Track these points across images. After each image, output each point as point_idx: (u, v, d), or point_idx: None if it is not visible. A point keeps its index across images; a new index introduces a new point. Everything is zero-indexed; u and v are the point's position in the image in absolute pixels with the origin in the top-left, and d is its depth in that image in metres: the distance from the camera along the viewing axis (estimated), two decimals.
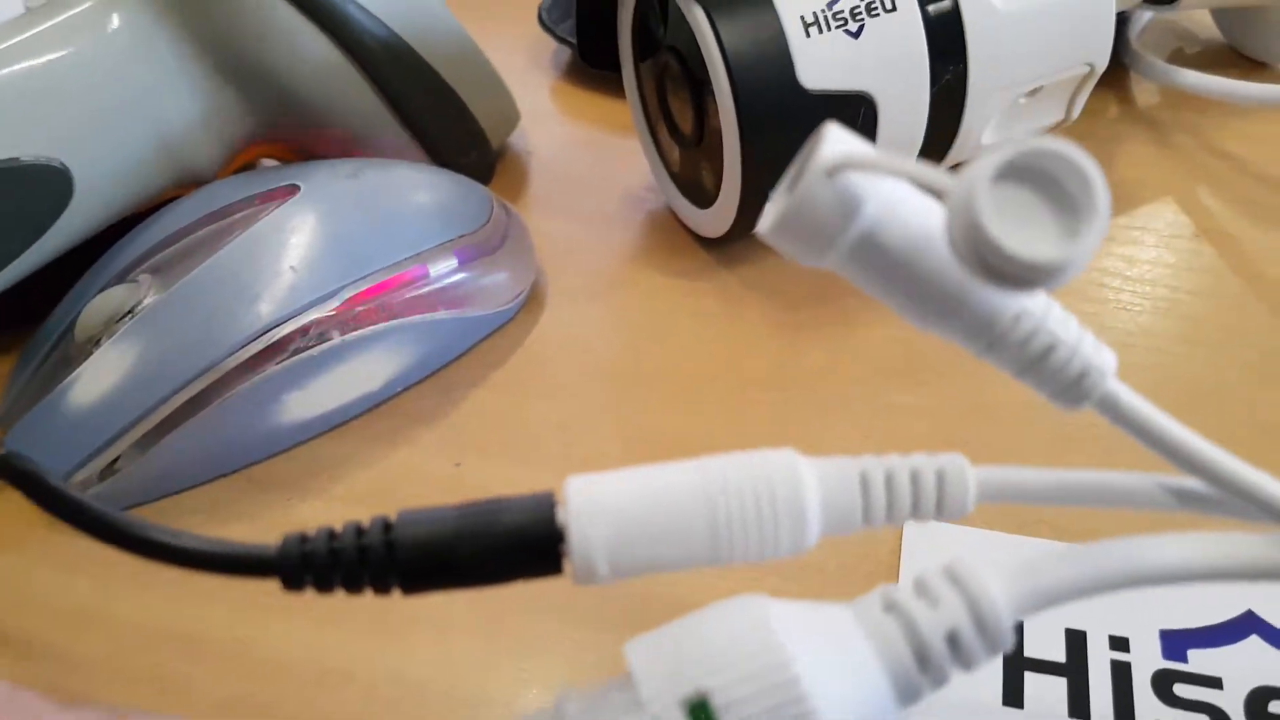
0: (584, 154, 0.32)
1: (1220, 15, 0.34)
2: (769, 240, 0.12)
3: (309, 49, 0.25)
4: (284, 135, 0.28)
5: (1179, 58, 0.34)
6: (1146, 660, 0.18)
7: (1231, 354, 0.24)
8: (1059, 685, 0.18)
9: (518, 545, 0.13)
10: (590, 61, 0.28)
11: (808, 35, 0.23)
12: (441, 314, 0.24)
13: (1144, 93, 0.32)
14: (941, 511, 0.13)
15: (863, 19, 0.23)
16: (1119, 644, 0.19)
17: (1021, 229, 0.10)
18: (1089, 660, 0.18)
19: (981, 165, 0.10)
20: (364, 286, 0.23)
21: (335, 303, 0.23)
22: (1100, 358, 0.12)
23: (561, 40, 0.35)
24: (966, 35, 0.24)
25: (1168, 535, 0.12)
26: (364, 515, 0.22)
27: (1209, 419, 0.22)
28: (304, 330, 0.22)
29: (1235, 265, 0.26)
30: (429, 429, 0.24)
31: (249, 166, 0.29)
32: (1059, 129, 0.28)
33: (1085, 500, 0.13)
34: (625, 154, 0.32)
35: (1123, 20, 0.33)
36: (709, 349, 0.25)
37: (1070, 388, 0.12)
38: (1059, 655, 0.18)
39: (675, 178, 0.28)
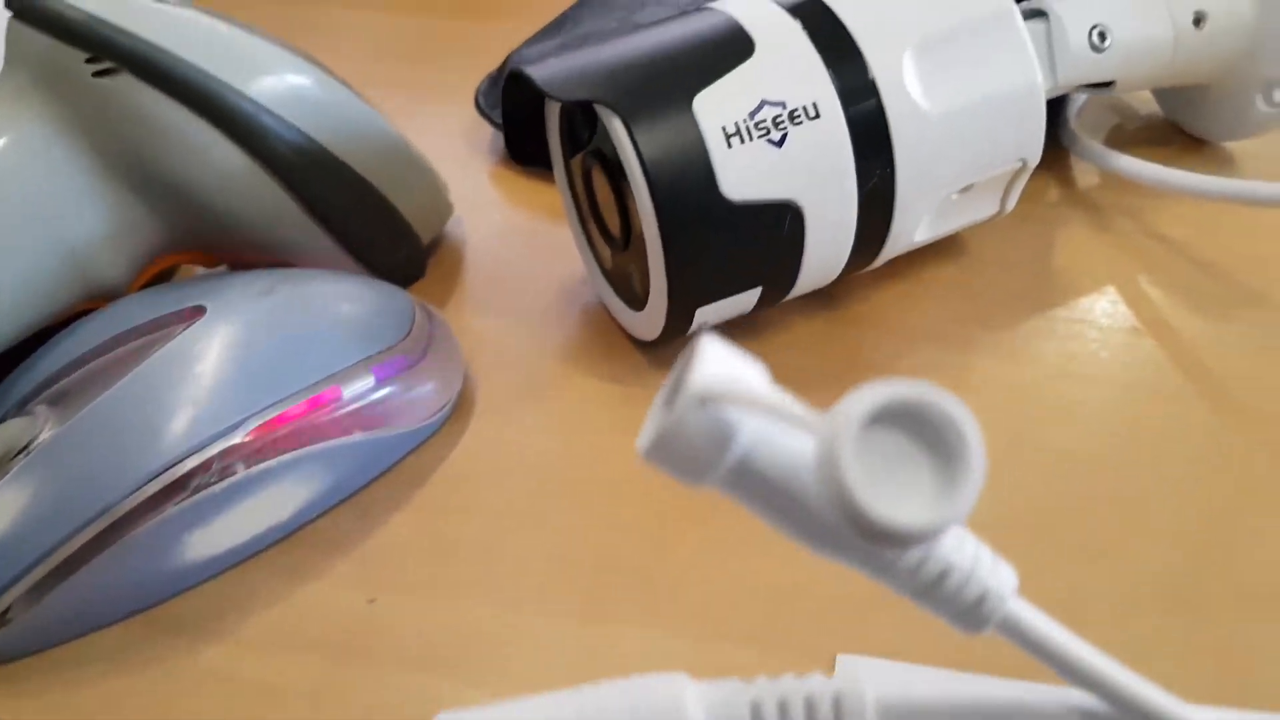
0: (520, 244, 0.31)
1: (1160, 94, 0.33)
2: (648, 461, 0.11)
3: (220, 161, 0.25)
4: (200, 244, 0.27)
5: (1119, 134, 0.33)
6: None
7: (1172, 453, 0.23)
8: None
9: None
10: (519, 159, 0.28)
11: (729, 146, 0.22)
12: (357, 436, 0.23)
13: (1083, 173, 0.32)
14: None
15: (785, 127, 0.23)
16: None
17: (891, 485, 0.10)
18: None
19: (849, 411, 0.10)
20: (271, 415, 0.22)
21: (240, 434, 0.22)
22: (998, 579, 0.11)
23: (497, 125, 0.34)
24: (893, 139, 0.23)
25: None
26: (269, 661, 0.21)
27: (1152, 523, 0.22)
28: (206, 466, 0.21)
29: (1173, 361, 0.25)
30: (342, 558, 0.23)
31: (168, 274, 0.28)
32: (995, 220, 0.27)
33: (989, 715, 0.12)
34: (563, 244, 0.31)
35: (1061, 100, 0.33)
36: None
37: (968, 613, 0.11)
38: None
39: (608, 275, 0.28)
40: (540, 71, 0.23)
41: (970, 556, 0.12)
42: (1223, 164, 0.31)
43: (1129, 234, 0.29)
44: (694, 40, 0.23)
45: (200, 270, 0.30)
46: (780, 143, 0.23)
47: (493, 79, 0.35)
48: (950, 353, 0.26)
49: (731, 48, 0.23)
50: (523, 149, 0.27)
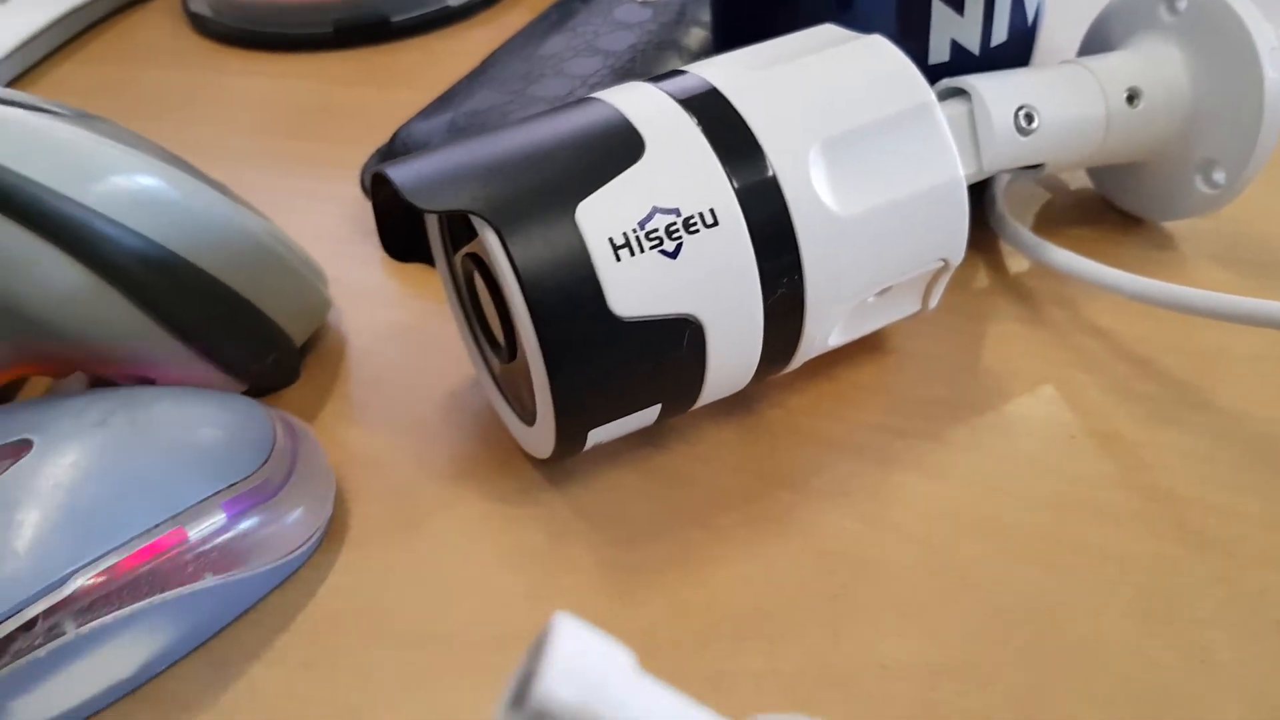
0: (407, 341, 0.29)
1: (1093, 171, 0.32)
2: None
3: (58, 277, 0.22)
4: (45, 358, 0.24)
5: (1050, 211, 0.31)
6: None
7: (1110, 592, 0.21)
8: None
9: None
10: (397, 256, 0.25)
11: (618, 259, 0.20)
12: (209, 581, 0.21)
13: (1013, 257, 0.30)
14: None
15: (680, 237, 0.21)
16: None
17: None
18: None
19: None
20: (104, 565, 0.19)
21: (67, 590, 0.19)
22: None
23: None
24: (800, 245, 0.21)
25: None
26: None
27: (1090, 680, 0.20)
28: (28, 626, 0.19)
29: (1111, 475, 0.23)
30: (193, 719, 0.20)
31: (14, 386, 0.26)
32: (918, 317, 0.26)
33: None
34: (453, 341, 0.29)
35: (987, 180, 0.31)
36: (532, 600, 0.22)
37: None
38: None
39: (497, 383, 0.25)
40: (405, 175, 0.21)
41: None
42: (1160, 244, 0.30)
43: (1061, 326, 0.27)
44: (579, 139, 0.21)
45: (52, 381, 0.27)
46: (675, 253, 0.21)
47: (381, 154, 0.33)
48: (870, 466, 0.24)
49: (619, 148, 0.21)
50: (401, 246, 0.25)
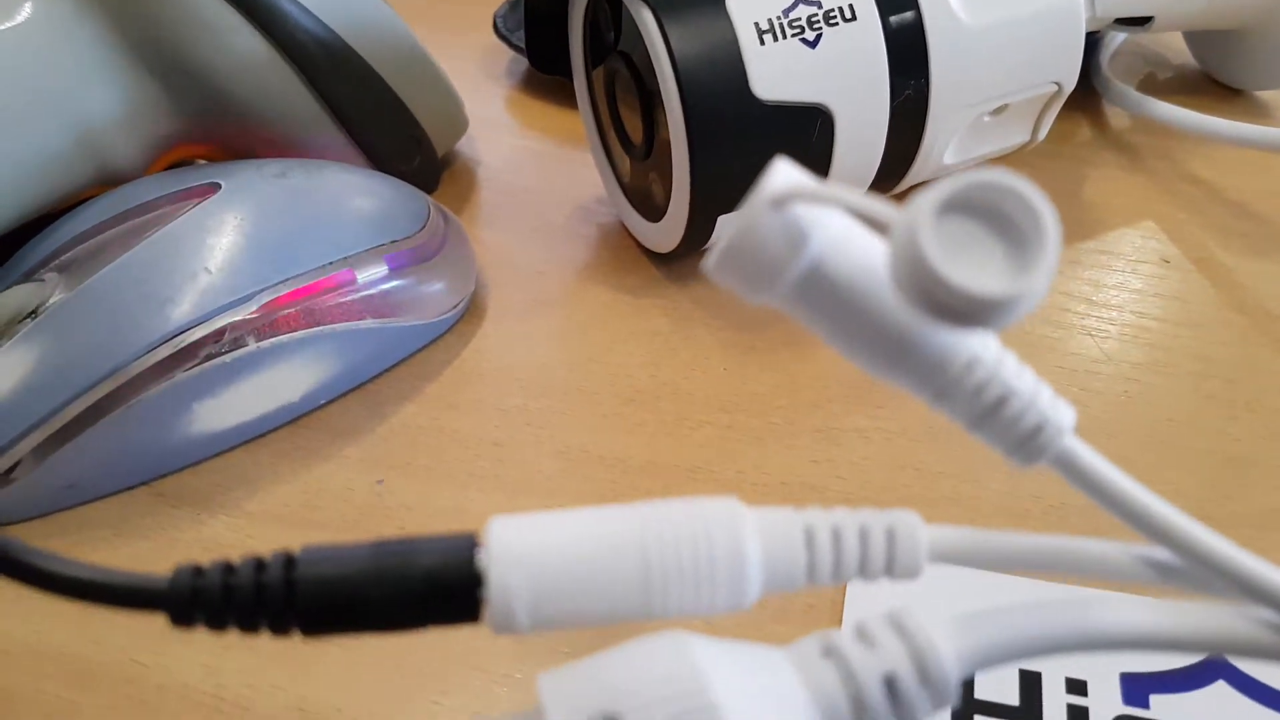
0: (535, 165, 0.31)
1: (1193, 40, 0.33)
2: (714, 277, 0.11)
3: (241, 45, 0.24)
4: (215, 134, 0.26)
5: (1151, 83, 0.33)
6: (1106, 706, 0.17)
7: (1197, 383, 0.23)
8: None
9: (432, 591, 0.11)
10: (540, 67, 0.27)
11: (762, 43, 0.22)
12: (369, 323, 0.23)
13: (1116, 117, 0.31)
14: (891, 571, 0.12)
15: (820, 28, 0.22)
16: (1076, 687, 0.17)
17: (968, 263, 0.09)
18: (1043, 705, 0.17)
19: (926, 197, 0.09)
20: (283, 291, 0.22)
21: (252, 307, 0.21)
22: (1057, 412, 0.11)
23: (515, 48, 0.34)
24: (929, 49, 0.23)
25: (1129, 597, 0.11)
26: (277, 535, 0.20)
27: (1174, 450, 0.21)
28: (217, 335, 0.21)
29: (1202, 292, 0.25)
30: (352, 444, 0.22)
31: (178, 165, 0.28)
32: (1025, 150, 0.27)
33: (1045, 567, 0.12)
34: (578, 166, 0.30)
35: (1094, 43, 0.32)
36: (654, 369, 0.24)
37: (1024, 443, 0.11)
38: (1012, 698, 0.17)
39: (626, 189, 0.27)
40: None
41: (1030, 386, 0.11)
42: (1256, 113, 0.31)
43: (1159, 174, 0.29)
44: None
45: None
46: (814, 43, 0.22)
47: (512, 3, 0.35)
48: None
49: None
50: (544, 57, 0.27)
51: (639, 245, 0.27)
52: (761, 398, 0.23)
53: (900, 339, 0.11)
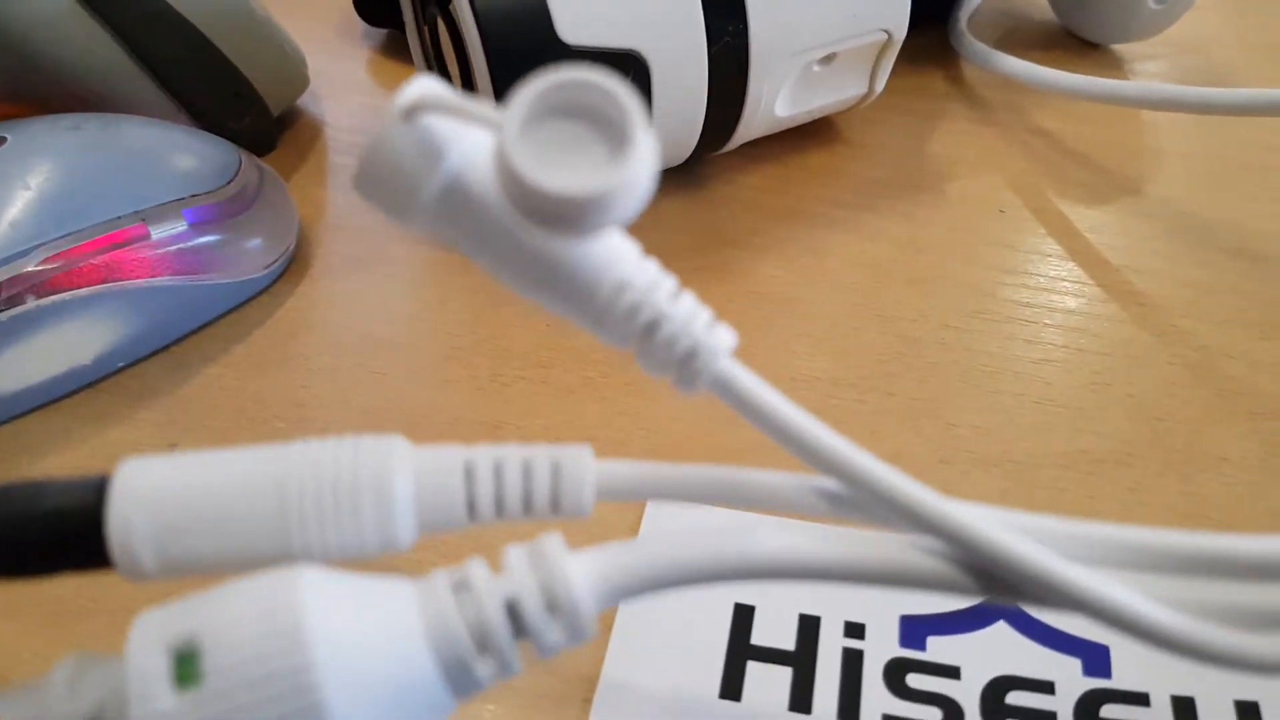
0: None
1: None
2: (359, 194, 0.10)
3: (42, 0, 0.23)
4: (26, 93, 0.25)
5: (1012, 38, 0.32)
6: (881, 648, 0.17)
7: (1015, 328, 0.22)
8: (784, 676, 0.16)
9: (54, 533, 0.11)
10: (369, 19, 0.26)
11: None
12: (166, 280, 0.22)
13: (972, 73, 0.31)
14: (558, 509, 0.11)
15: None
16: (854, 630, 0.17)
17: (563, 165, 0.09)
18: (819, 649, 0.17)
19: (514, 100, 0.09)
20: (66, 246, 0.21)
21: (29, 262, 0.20)
22: (714, 336, 0.11)
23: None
24: None
25: (797, 524, 0.11)
26: None
27: (985, 393, 0.21)
28: None
29: (1032, 239, 0.24)
30: (150, 407, 0.21)
31: None
32: (869, 102, 0.27)
33: (717, 498, 0.11)
34: None
35: (953, 1, 0.32)
36: (474, 325, 0.23)
37: (680, 367, 0.10)
38: (788, 643, 0.17)
39: None
40: None
41: (687, 310, 0.11)
42: (1111, 66, 0.31)
43: (1008, 127, 0.28)
44: None
45: None
46: None
47: None
48: (809, 230, 0.25)
49: None
50: (375, 11, 0.26)
51: None
52: (580, 352, 0.22)
53: (540, 258, 0.10)
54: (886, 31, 0.25)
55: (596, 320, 0.11)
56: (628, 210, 0.09)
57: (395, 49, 0.33)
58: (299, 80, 0.29)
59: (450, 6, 0.23)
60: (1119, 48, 0.31)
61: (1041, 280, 0.23)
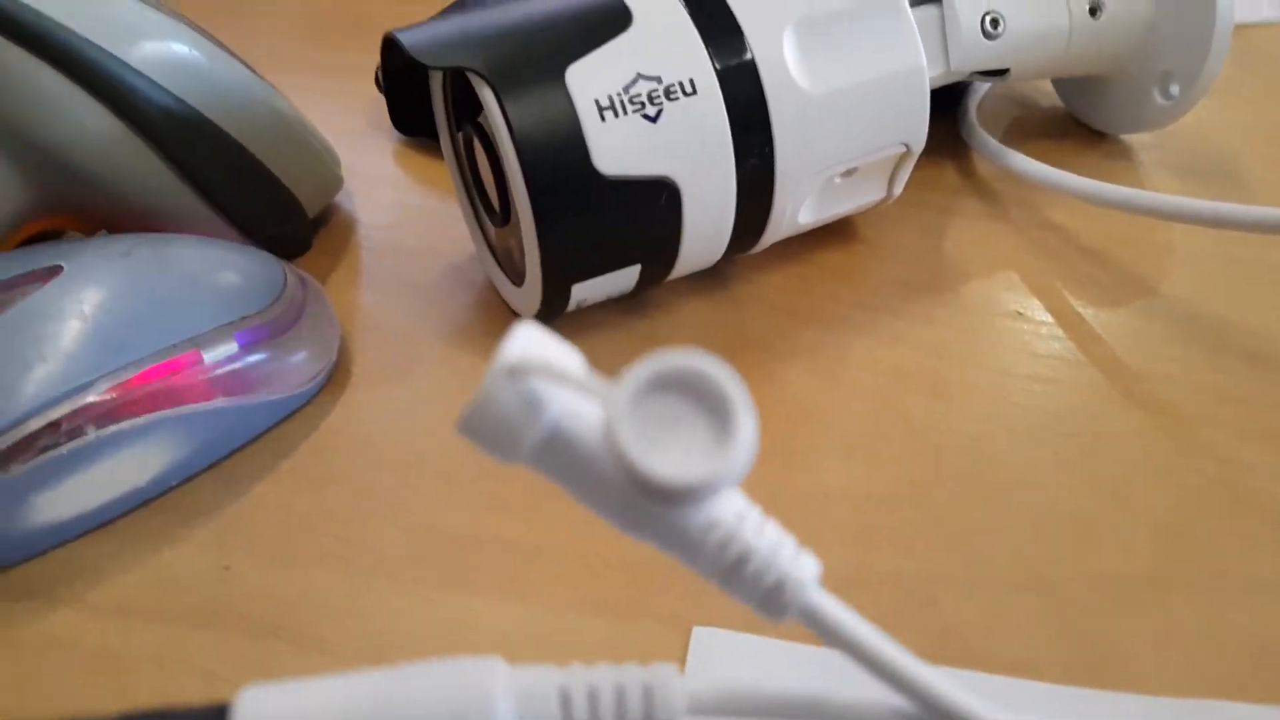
0: (413, 221, 0.31)
1: (1059, 85, 0.33)
2: (462, 435, 0.11)
3: (90, 123, 0.24)
4: (75, 209, 0.26)
5: (1019, 126, 0.33)
6: None
7: (1042, 439, 0.23)
8: None
9: None
10: (403, 128, 0.27)
11: (603, 119, 0.22)
12: (220, 402, 0.23)
13: (982, 164, 0.32)
14: None
15: (661, 103, 0.22)
16: None
17: (670, 445, 0.10)
18: None
19: (625, 382, 0.10)
20: (123, 377, 0.21)
21: (90, 395, 0.21)
22: (799, 568, 0.11)
23: None
24: (771, 118, 0.23)
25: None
26: (120, 628, 0.20)
27: (1014, 510, 0.22)
28: (53, 427, 0.21)
29: (1052, 344, 0.25)
30: (202, 526, 0.22)
31: (37, 238, 0.28)
32: (882, 204, 0.27)
33: (799, 716, 0.12)
34: (454, 221, 0.31)
35: (962, 90, 0.33)
36: None
37: (769, 599, 0.11)
38: None
39: (493, 251, 0.27)
40: (411, 37, 0.23)
41: (771, 542, 0.12)
42: (1119, 156, 0.32)
43: (1020, 223, 0.29)
44: (571, 11, 0.23)
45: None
46: (655, 118, 0.23)
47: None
48: (832, 334, 0.26)
49: (608, 20, 0.23)
50: (407, 119, 0.27)
51: (508, 306, 0.27)
52: None
53: (634, 508, 0.11)
54: (905, 144, 0.25)
55: (686, 553, 0.12)
56: (729, 486, 0.10)
57: (423, 140, 0.34)
58: (333, 181, 0.30)
59: (487, 131, 0.23)
60: (1128, 137, 0.32)
61: (1062, 388, 0.24)
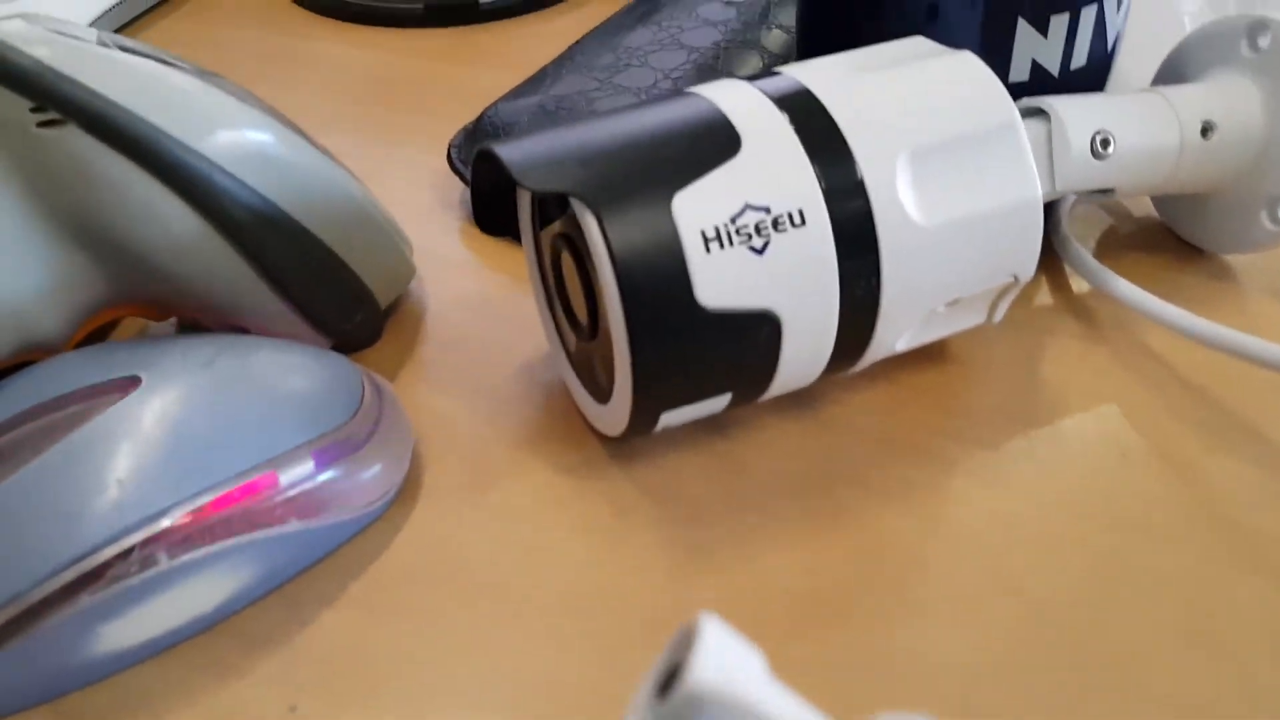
0: (485, 312, 0.30)
1: (1159, 198, 0.32)
2: None
3: (171, 222, 0.23)
4: (148, 300, 0.25)
5: (1112, 237, 0.32)
6: None
7: (1155, 605, 0.22)
8: None
9: None
10: (487, 230, 0.26)
11: (708, 251, 0.21)
12: (292, 526, 0.22)
13: (1075, 277, 0.30)
14: None
15: (769, 234, 0.21)
16: None
17: None
18: None
19: None
20: (199, 503, 0.21)
21: (165, 521, 0.20)
22: None
23: (469, 184, 0.33)
24: (881, 251, 0.22)
25: None
26: None
27: (1121, 693, 0.20)
28: (125, 554, 0.20)
29: (1161, 493, 0.24)
30: (266, 656, 0.21)
31: (113, 324, 0.27)
32: (981, 328, 0.26)
33: None
34: (526, 312, 0.30)
35: (1053, 201, 0.31)
36: (591, 569, 0.23)
37: None
38: None
39: (572, 360, 0.26)
40: (513, 155, 0.22)
41: None
42: (1221, 276, 0.30)
43: (1119, 347, 0.28)
44: (677, 132, 0.22)
45: (147, 324, 0.29)
46: (762, 250, 0.21)
47: (467, 132, 0.34)
48: (926, 469, 0.25)
49: (716, 143, 0.22)
50: (492, 220, 0.26)
51: (582, 414, 0.26)
52: (698, 611, 0.22)
53: None
54: (1014, 276, 0.24)
55: None
56: None
57: None
58: (406, 270, 0.29)
59: (580, 248, 0.22)
60: (1229, 257, 0.31)
61: (1177, 546, 0.23)
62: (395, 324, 0.30)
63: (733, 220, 0.21)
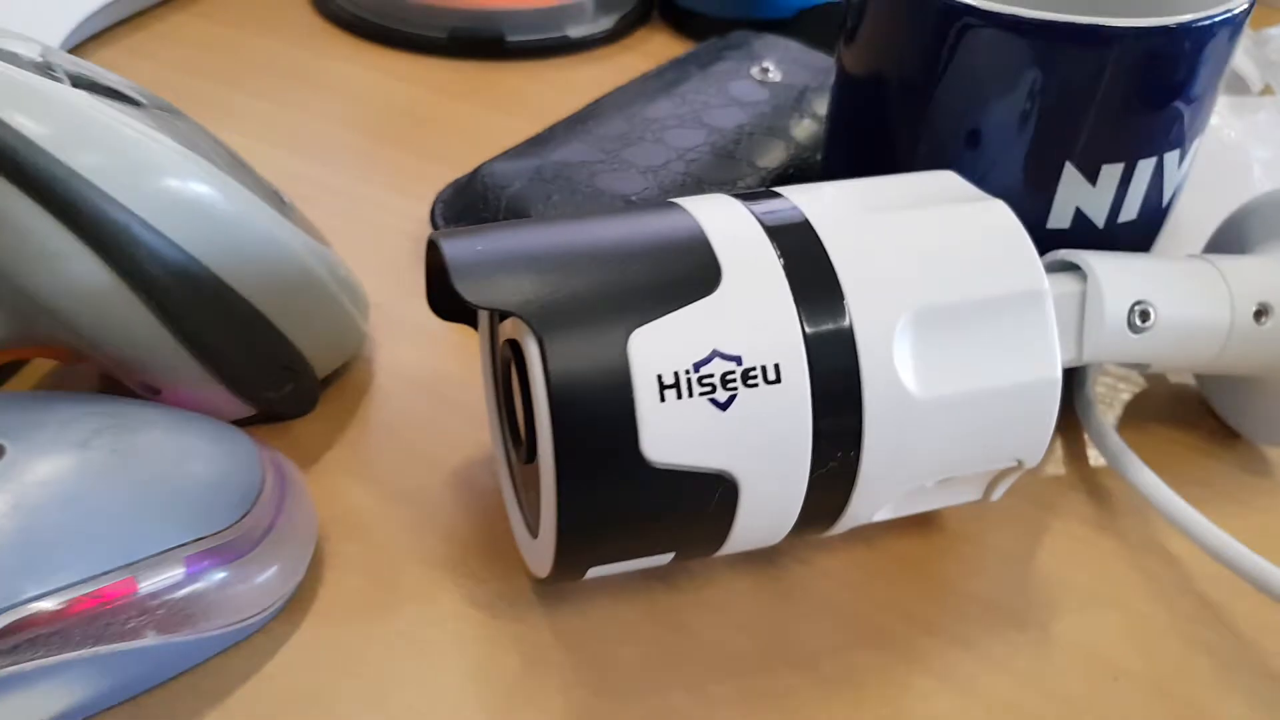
0: (434, 394, 0.27)
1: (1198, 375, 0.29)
2: None
3: (79, 273, 0.21)
4: (56, 346, 0.23)
5: (1143, 402, 0.29)
6: None
7: None
8: None
9: None
10: (443, 315, 0.23)
11: (662, 399, 0.18)
12: (148, 639, 0.19)
13: (1095, 450, 0.27)
14: None
15: (735, 388, 0.18)
16: None
17: None
18: None
19: None
20: (38, 609, 0.18)
21: None
22: None
23: None
24: (865, 421, 0.19)
25: None
26: None
27: None
28: None
29: None
30: None
31: (18, 364, 0.24)
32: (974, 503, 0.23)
33: None
34: (479, 409, 0.27)
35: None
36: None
37: None
38: None
39: (512, 474, 0.23)
40: (459, 254, 0.19)
41: None
42: (1256, 470, 0.27)
43: (1131, 541, 0.25)
44: (651, 253, 0.19)
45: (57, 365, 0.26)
46: (726, 405, 0.19)
47: (458, 187, 0.31)
48: (887, 659, 0.22)
49: (692, 274, 0.19)
50: (448, 306, 0.23)
51: (514, 538, 0.23)
52: None
53: None
54: (1019, 460, 0.21)
55: None
56: None
57: None
58: (355, 339, 0.26)
59: (523, 361, 0.20)
60: (1269, 449, 0.28)
61: None
62: (334, 394, 0.27)
63: (696, 368, 0.18)
